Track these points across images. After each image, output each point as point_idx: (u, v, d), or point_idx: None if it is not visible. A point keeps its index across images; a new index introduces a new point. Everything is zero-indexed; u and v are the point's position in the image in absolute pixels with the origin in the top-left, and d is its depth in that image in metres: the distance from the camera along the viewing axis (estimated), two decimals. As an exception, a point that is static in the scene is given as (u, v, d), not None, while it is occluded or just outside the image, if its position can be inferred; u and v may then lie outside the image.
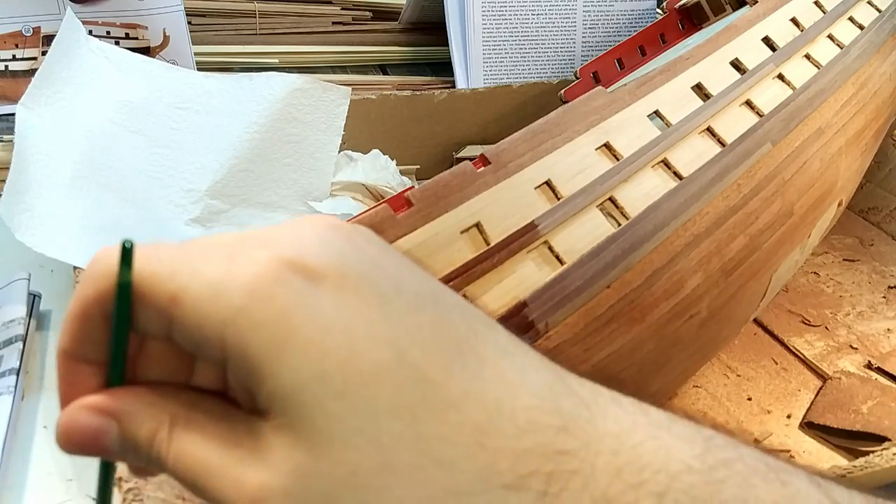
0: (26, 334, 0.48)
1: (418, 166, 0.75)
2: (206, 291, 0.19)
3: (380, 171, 0.67)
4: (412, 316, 0.20)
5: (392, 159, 0.69)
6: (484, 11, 0.81)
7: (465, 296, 0.30)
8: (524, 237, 0.32)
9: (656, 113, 0.40)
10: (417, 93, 0.73)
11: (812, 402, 0.49)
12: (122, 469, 0.35)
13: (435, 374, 0.19)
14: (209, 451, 0.20)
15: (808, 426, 0.47)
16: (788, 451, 0.46)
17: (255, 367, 0.19)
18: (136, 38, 0.73)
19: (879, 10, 0.57)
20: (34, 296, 0.51)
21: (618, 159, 0.37)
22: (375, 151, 0.69)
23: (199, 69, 0.72)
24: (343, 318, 0.19)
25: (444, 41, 0.84)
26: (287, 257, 0.20)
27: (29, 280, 0.51)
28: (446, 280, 0.30)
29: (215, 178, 0.64)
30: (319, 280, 0.20)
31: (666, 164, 0.39)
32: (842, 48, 0.52)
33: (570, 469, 0.19)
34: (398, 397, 0.19)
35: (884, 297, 0.60)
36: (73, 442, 0.21)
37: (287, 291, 0.19)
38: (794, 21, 0.50)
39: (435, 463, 0.19)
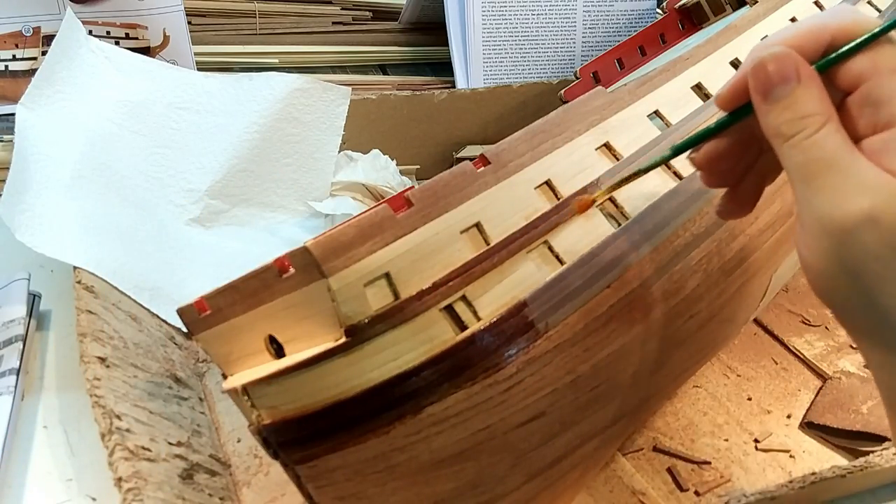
0: (26, 334, 0.48)
1: (418, 166, 0.75)
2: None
3: (380, 171, 0.67)
4: None
5: (392, 159, 0.69)
6: (484, 11, 0.81)
7: (464, 296, 0.30)
8: (524, 237, 0.32)
9: (656, 113, 0.40)
10: (417, 93, 0.73)
11: (812, 402, 0.49)
12: (121, 470, 0.35)
13: None
14: (848, 148, 0.27)
15: (808, 426, 0.47)
16: (788, 450, 0.46)
17: None
18: (136, 38, 0.73)
19: (879, 10, 0.57)
20: (34, 296, 0.51)
21: (618, 159, 0.37)
22: (375, 151, 0.69)
23: (199, 69, 0.72)
24: None
25: (444, 41, 0.84)
26: None
27: (29, 280, 0.51)
28: (446, 280, 0.30)
29: (215, 178, 0.64)
30: None
31: (666, 164, 0.39)
32: (842, 48, 0.52)
33: None
34: None
35: (884, 297, 0.60)
36: (767, 61, 0.28)
37: None
38: (794, 21, 0.50)
39: None
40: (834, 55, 0.28)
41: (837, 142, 0.27)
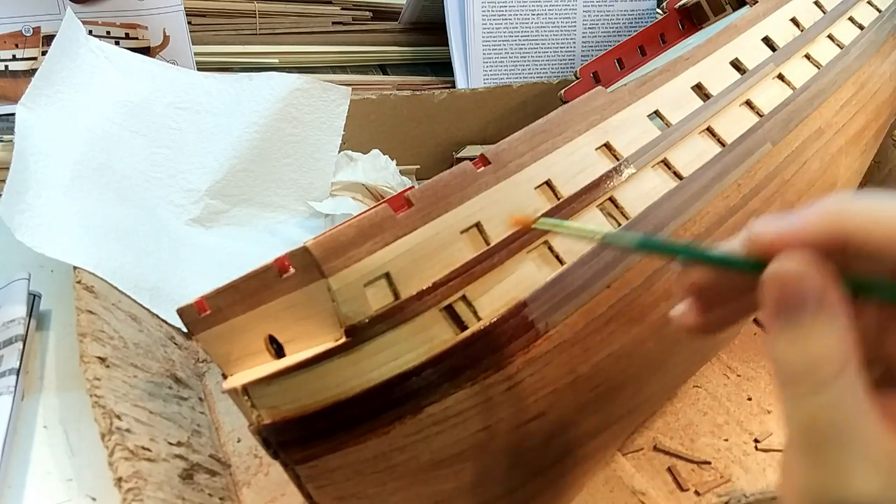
0: (26, 334, 0.48)
1: (418, 166, 0.75)
2: None
3: (380, 171, 0.67)
4: None
5: (392, 159, 0.69)
6: (484, 11, 0.81)
7: (464, 296, 0.30)
8: (524, 237, 0.32)
9: (656, 113, 0.40)
10: (417, 93, 0.73)
11: (812, 402, 0.49)
12: (121, 470, 0.35)
13: None
14: (863, 411, 0.21)
15: (808, 426, 0.47)
16: (788, 451, 0.46)
17: None
18: (136, 38, 0.73)
19: (879, 10, 0.57)
20: (34, 296, 0.51)
21: (618, 159, 0.37)
22: (375, 151, 0.69)
23: (199, 69, 0.72)
24: None
25: (444, 41, 0.84)
26: None
27: (29, 280, 0.51)
28: (446, 280, 0.30)
29: (215, 178, 0.64)
30: None
31: (666, 164, 0.39)
32: (842, 48, 0.52)
33: None
34: None
35: (884, 297, 0.60)
36: (785, 274, 0.21)
37: None
38: (794, 21, 0.50)
39: None
40: (877, 283, 0.22)
41: (853, 400, 0.21)
